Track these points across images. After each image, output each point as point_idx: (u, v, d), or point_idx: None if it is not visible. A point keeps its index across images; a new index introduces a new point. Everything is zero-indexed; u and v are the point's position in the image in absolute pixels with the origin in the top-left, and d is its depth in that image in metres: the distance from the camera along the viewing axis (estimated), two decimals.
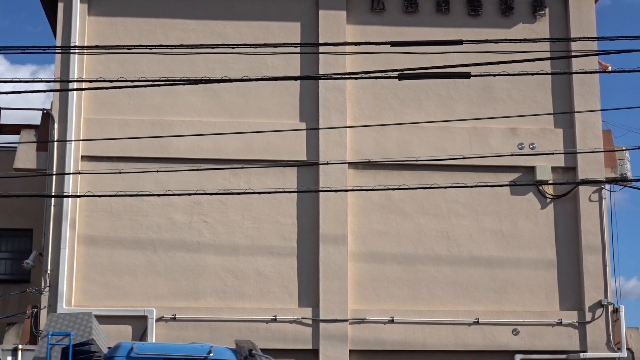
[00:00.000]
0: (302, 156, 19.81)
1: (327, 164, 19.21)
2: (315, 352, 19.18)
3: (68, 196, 18.66)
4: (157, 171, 18.37)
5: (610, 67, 20.52)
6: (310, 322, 19.22)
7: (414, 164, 19.79)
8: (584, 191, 20.10)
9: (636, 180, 18.48)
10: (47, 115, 19.73)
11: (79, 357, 13.57)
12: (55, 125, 19.43)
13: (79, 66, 19.63)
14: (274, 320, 19.15)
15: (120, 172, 17.90)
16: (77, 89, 18.73)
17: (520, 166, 20.17)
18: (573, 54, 19.53)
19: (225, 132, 19.08)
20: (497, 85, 20.47)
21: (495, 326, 19.55)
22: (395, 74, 13.20)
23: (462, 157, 18.65)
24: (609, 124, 20.85)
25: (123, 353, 13.62)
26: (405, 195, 19.78)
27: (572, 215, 20.19)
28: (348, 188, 19.08)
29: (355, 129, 19.82)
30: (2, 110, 22.68)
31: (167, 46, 13.68)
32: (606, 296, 19.81)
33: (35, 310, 18.91)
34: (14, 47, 12.67)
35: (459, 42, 13.26)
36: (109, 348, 14.25)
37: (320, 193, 19.38)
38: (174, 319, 19.00)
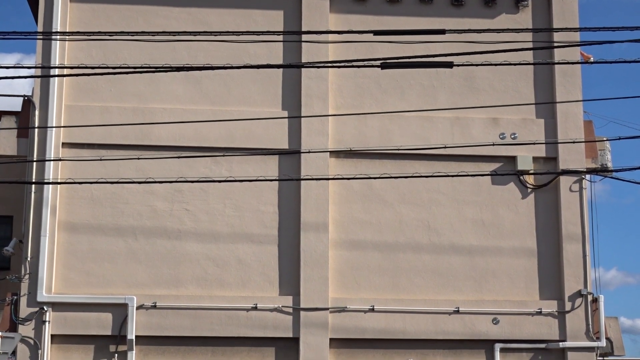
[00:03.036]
0: (284, 144, 19.79)
1: (309, 152, 19.22)
2: (295, 340, 19.20)
3: (48, 183, 18.59)
4: (139, 158, 18.34)
5: (592, 58, 20.58)
6: (290, 310, 19.23)
7: (395, 153, 19.82)
8: (565, 181, 20.18)
9: (617, 171, 18.51)
10: (27, 101, 19.64)
11: None
12: (36, 112, 19.34)
13: (61, 53, 19.54)
14: (255, 308, 19.16)
15: (101, 159, 17.90)
16: (58, 75, 18.65)
17: (501, 156, 20.22)
18: (555, 44, 19.58)
19: (207, 120, 19.05)
20: (480, 75, 20.50)
21: (475, 315, 19.62)
22: (378, 63, 13.20)
23: (443, 146, 18.71)
24: (590, 114, 20.94)
25: None
26: (387, 184, 19.80)
27: (552, 205, 20.26)
28: (329, 176, 19.09)
29: (337, 118, 19.82)
30: None
31: (149, 33, 13.65)
32: (586, 286, 19.90)
33: (15, 297, 18.85)
34: None
35: (441, 32, 13.27)
36: None
37: (302, 181, 19.38)
38: (154, 306, 18.97)
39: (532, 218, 20.21)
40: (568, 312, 19.79)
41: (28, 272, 18.85)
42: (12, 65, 12.83)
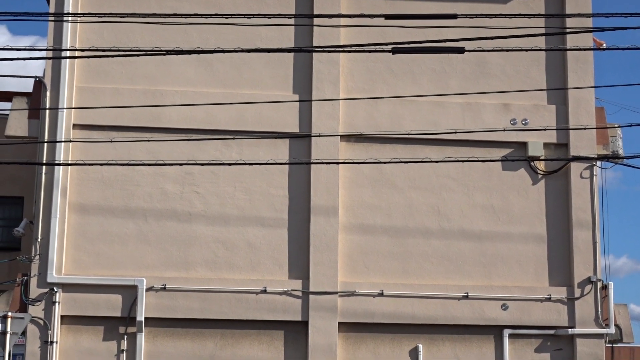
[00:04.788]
0: (295, 128, 19.79)
1: (319, 136, 19.21)
2: (304, 323, 19.24)
3: (59, 164, 18.63)
4: (149, 140, 18.32)
5: (604, 45, 20.49)
6: (300, 294, 19.26)
7: (406, 137, 19.80)
8: (576, 168, 20.14)
9: (628, 158, 18.47)
10: (39, 82, 19.65)
11: None
12: (48, 93, 19.37)
13: (72, 34, 19.53)
14: (264, 291, 19.19)
15: (112, 141, 17.91)
16: (69, 57, 18.65)
17: (512, 142, 20.18)
18: (568, 30, 19.49)
19: (218, 103, 19.04)
20: (491, 61, 20.45)
21: (484, 301, 19.62)
22: (389, 47, 13.17)
23: (454, 131, 18.66)
24: (602, 101, 20.87)
25: None
26: (397, 168, 19.79)
27: (563, 192, 20.23)
28: (340, 160, 19.08)
29: (348, 102, 19.79)
30: None
31: (160, 15, 13.62)
32: (595, 273, 19.88)
33: (26, 278, 18.91)
34: (7, 14, 12.61)
35: (453, 17, 13.23)
36: None
37: (312, 165, 19.37)
38: (164, 288, 19.02)
39: (542, 204, 20.19)
40: (577, 298, 19.77)
41: (38, 253, 18.91)
42: (24, 47, 12.85)
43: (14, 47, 12.72)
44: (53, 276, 18.78)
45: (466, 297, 19.59)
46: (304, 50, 17.97)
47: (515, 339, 19.72)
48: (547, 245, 20.08)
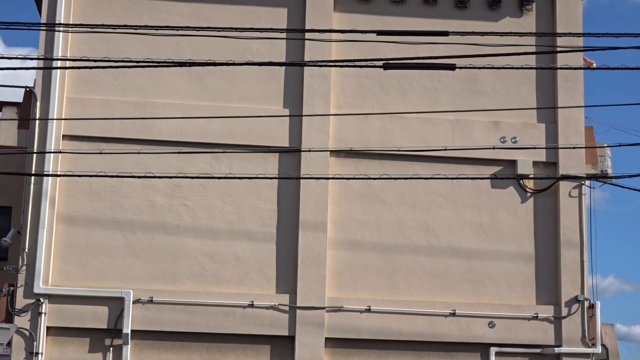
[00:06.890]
0: (285, 142, 19.79)
1: (309, 151, 19.22)
2: (291, 338, 19.20)
3: (48, 175, 18.58)
4: (139, 153, 18.33)
5: (594, 64, 20.56)
6: (287, 308, 19.23)
7: (395, 154, 19.82)
8: (565, 187, 20.17)
9: (616, 177, 18.49)
10: (29, 92, 19.63)
11: None
12: (38, 103, 19.34)
13: (64, 45, 19.52)
14: (251, 305, 19.15)
15: (101, 153, 17.88)
16: (60, 68, 18.63)
17: (501, 160, 20.21)
18: (558, 49, 19.56)
19: (208, 116, 19.04)
20: (482, 78, 20.50)
21: (471, 318, 19.62)
22: (380, 63, 13.19)
23: (444, 148, 18.70)
24: (591, 120, 20.93)
25: None
26: (386, 184, 19.80)
27: (551, 210, 20.26)
28: (329, 176, 19.09)
29: (339, 117, 19.81)
30: None
31: (152, 27, 13.62)
32: (583, 292, 19.89)
33: (12, 288, 18.84)
34: None
35: (445, 34, 13.26)
36: None
37: (301, 180, 19.37)
38: (151, 301, 18.97)
39: (531, 222, 20.21)
40: (564, 317, 19.78)
41: (25, 263, 18.84)
42: (14, 57, 12.82)
43: (3, 56, 12.69)
44: (40, 287, 18.71)
45: (453, 314, 19.58)
46: (295, 64, 17.98)
47: (501, 357, 19.71)
48: (535, 263, 20.10)
